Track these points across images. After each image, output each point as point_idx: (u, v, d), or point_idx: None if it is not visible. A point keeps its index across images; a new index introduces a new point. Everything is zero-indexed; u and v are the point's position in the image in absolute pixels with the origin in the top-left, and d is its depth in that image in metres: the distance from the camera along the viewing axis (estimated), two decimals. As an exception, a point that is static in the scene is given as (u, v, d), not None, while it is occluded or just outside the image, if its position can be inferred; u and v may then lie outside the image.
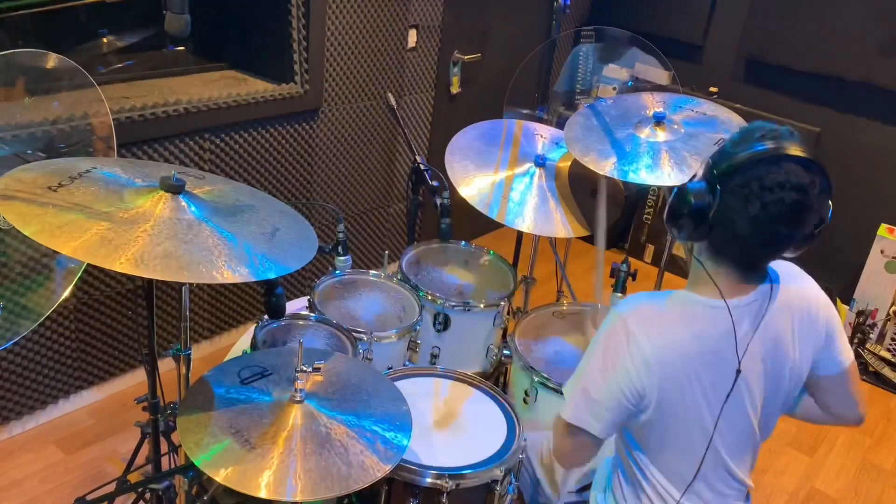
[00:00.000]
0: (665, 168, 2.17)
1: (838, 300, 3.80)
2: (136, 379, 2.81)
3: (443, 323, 2.25)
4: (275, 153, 2.96)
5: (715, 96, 3.87)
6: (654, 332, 1.37)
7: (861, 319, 3.58)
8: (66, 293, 1.86)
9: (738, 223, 1.30)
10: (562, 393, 1.96)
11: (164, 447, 1.85)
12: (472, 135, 2.53)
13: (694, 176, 1.41)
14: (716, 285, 1.37)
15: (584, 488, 1.76)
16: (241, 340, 2.28)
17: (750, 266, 1.39)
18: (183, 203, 1.44)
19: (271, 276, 1.40)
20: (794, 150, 1.27)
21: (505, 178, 2.40)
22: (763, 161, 1.27)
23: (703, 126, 2.33)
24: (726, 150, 1.33)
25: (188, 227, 1.40)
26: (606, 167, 2.23)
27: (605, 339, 1.41)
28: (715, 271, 1.38)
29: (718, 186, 1.30)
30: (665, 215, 1.41)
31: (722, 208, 1.30)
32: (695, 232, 1.35)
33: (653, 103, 2.42)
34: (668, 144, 2.25)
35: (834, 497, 2.79)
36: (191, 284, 1.94)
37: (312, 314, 2.08)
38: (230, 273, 1.34)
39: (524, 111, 4.01)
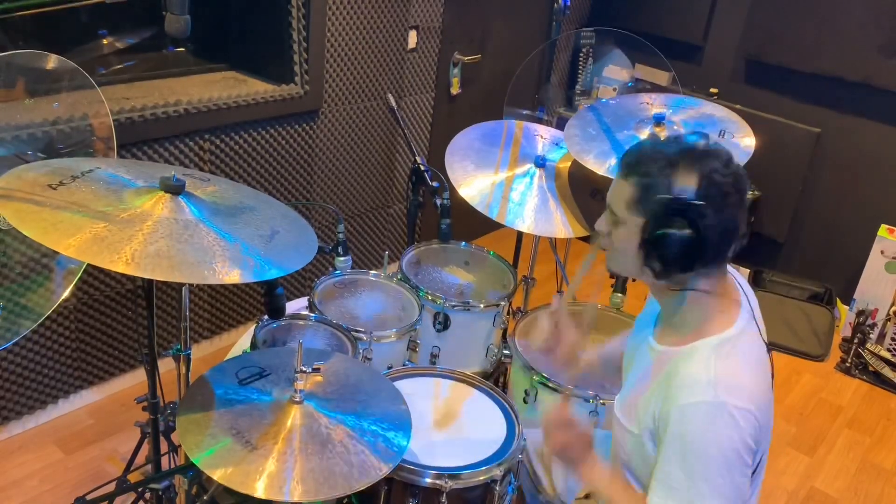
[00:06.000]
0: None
1: (838, 300, 3.80)
2: (136, 379, 2.82)
3: (443, 323, 2.25)
4: (275, 154, 2.97)
5: (715, 97, 3.87)
6: (746, 393, 1.27)
7: (861, 319, 3.58)
8: (66, 293, 1.86)
9: (726, 223, 1.29)
10: (560, 392, 1.97)
11: (163, 447, 1.85)
12: (473, 135, 2.53)
13: (619, 219, 1.36)
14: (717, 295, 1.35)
15: (591, 494, 1.75)
16: (241, 340, 2.28)
17: (728, 255, 1.36)
18: (182, 204, 1.44)
19: (268, 277, 1.39)
20: (704, 139, 1.33)
21: (505, 179, 2.40)
22: (706, 157, 1.29)
23: (703, 126, 2.33)
24: (665, 175, 1.29)
25: (185, 227, 1.39)
26: (606, 168, 2.24)
27: (713, 440, 1.25)
28: (705, 283, 1.35)
29: (703, 203, 1.26)
30: (656, 270, 1.32)
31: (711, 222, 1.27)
32: (700, 260, 1.31)
33: (652, 105, 2.43)
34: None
35: (834, 497, 2.79)
36: (191, 284, 1.94)
37: (312, 314, 2.08)
38: (225, 273, 1.33)
39: (524, 112, 4.01)
